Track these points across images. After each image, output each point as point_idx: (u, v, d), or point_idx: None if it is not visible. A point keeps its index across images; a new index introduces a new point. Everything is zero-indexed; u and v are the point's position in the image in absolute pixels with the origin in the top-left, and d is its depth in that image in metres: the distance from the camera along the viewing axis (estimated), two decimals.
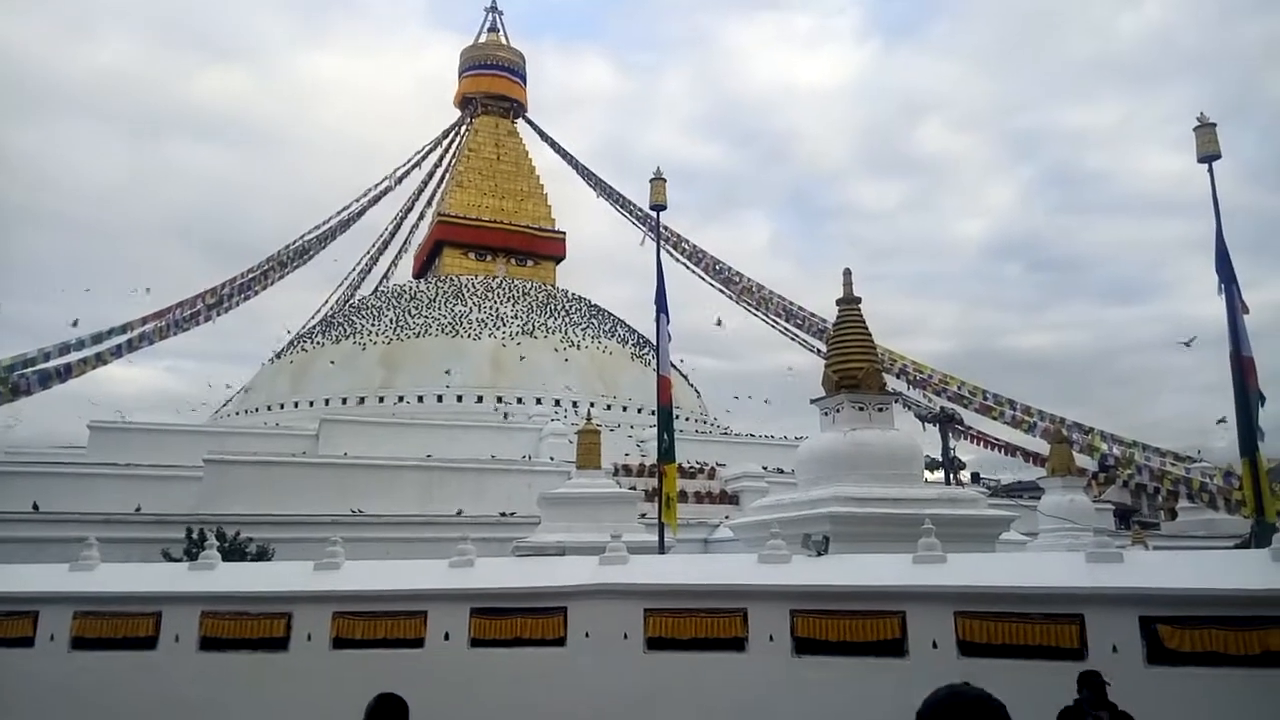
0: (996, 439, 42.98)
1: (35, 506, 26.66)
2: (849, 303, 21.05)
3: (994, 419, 41.29)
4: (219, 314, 49.28)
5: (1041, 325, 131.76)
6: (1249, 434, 15.50)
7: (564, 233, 65.09)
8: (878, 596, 12.79)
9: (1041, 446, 36.66)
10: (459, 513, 29.27)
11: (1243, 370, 15.74)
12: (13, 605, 15.09)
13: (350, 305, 60.74)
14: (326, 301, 65.61)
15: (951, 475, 34.41)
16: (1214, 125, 16.81)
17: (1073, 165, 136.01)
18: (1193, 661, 11.28)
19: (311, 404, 45.06)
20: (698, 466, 38.48)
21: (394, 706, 5.68)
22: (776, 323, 53.05)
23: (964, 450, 43.05)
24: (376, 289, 65.35)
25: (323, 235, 58.72)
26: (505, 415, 42.50)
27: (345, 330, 51.30)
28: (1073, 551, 15.27)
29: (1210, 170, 16.88)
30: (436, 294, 53.82)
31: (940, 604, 12.40)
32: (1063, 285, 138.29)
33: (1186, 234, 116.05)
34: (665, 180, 21.85)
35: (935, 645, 12.24)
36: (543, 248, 63.42)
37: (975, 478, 43.03)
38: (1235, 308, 16.07)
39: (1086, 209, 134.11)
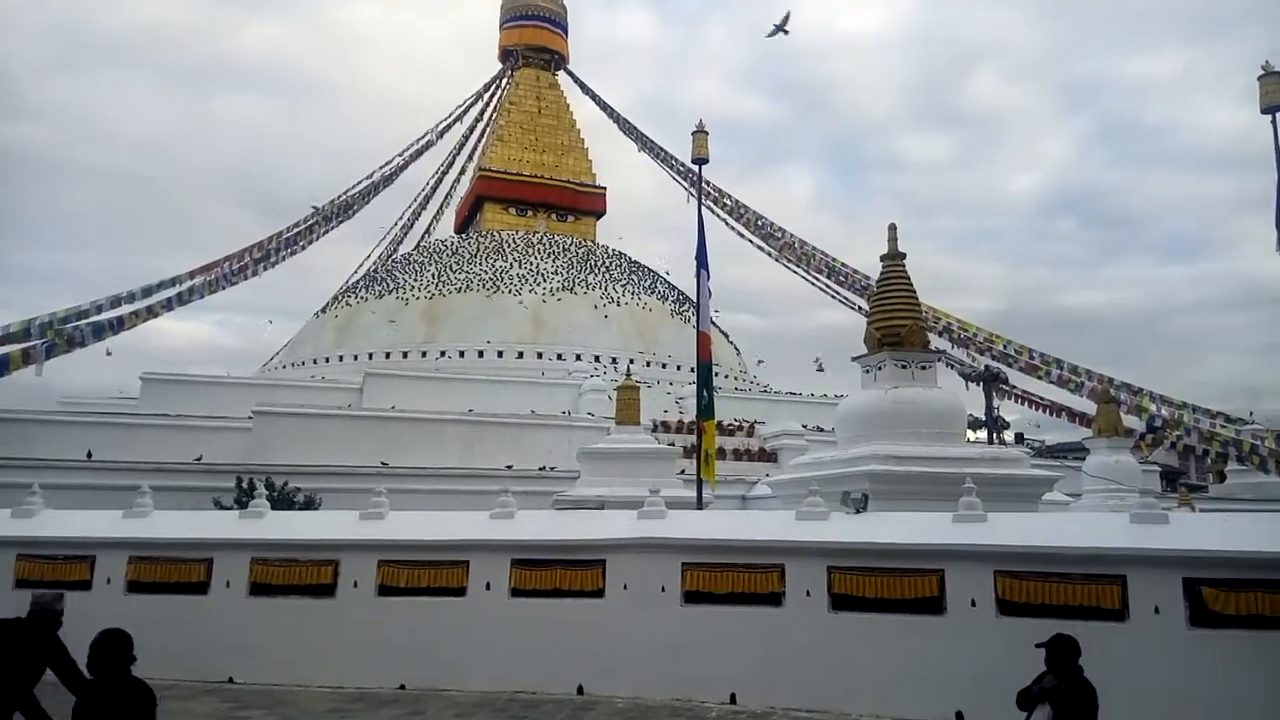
0: (1042, 399, 42.40)
1: (89, 455, 27.47)
2: (893, 258, 20.70)
3: (1040, 378, 40.71)
4: (266, 268, 50.06)
5: (1093, 283, 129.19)
6: None
7: (604, 188, 64.84)
8: (916, 554, 12.76)
9: (1088, 407, 36.14)
10: (509, 467, 29.65)
11: None
12: (71, 550, 15.65)
13: (393, 260, 61.25)
14: (369, 256, 66.25)
15: (995, 435, 34.03)
16: None
17: (1130, 117, 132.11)
18: (1236, 624, 11.11)
19: (356, 358, 45.75)
20: (737, 424, 38.48)
21: (116, 641, 5.86)
22: (817, 279, 52.59)
23: (1008, 410, 42.53)
24: (419, 244, 65.78)
25: (366, 190, 59.09)
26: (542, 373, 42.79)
27: (388, 285, 51.84)
28: (1116, 513, 15.08)
29: (1274, 121, 16.22)
30: (477, 250, 54.05)
31: (980, 563, 12.33)
32: (1117, 242, 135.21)
33: (1247, 191, 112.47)
34: (707, 133, 21.57)
35: (974, 604, 12.20)
36: (583, 203, 63.24)
37: (1019, 438, 42.41)
38: None
39: (1144, 163, 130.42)
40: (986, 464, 17.53)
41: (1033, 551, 12.23)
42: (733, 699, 12.82)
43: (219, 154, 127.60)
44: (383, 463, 29.03)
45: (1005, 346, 41.59)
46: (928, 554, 12.70)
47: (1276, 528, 12.67)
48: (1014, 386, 42.06)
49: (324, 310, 54.46)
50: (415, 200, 68.43)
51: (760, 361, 55.36)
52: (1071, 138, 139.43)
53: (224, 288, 47.00)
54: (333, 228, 57.76)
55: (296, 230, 52.91)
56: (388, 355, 45.47)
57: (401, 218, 68.02)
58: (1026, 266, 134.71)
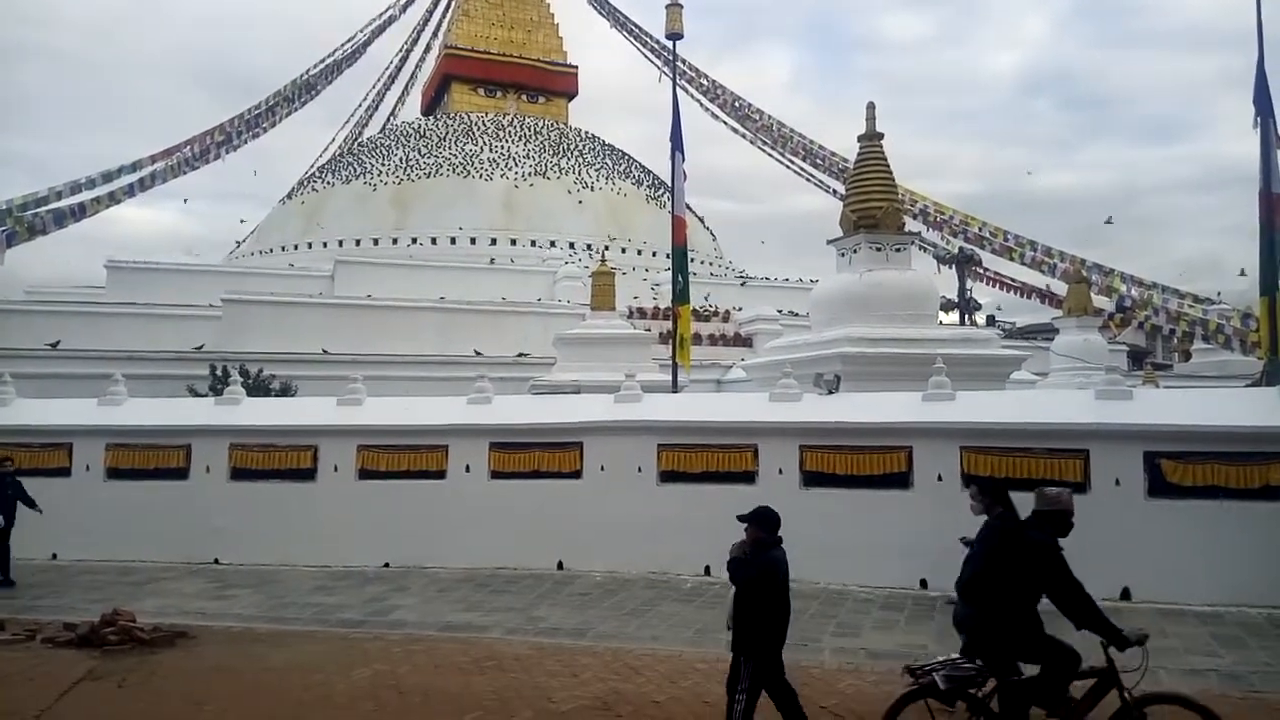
0: (1015, 281, 42.71)
1: (55, 344, 27.11)
2: (871, 139, 20.41)
3: (1014, 260, 40.89)
4: (228, 151, 48.56)
5: (1069, 164, 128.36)
6: (1271, 272, 15.21)
7: (576, 67, 62.71)
8: (885, 432, 13.08)
9: (1061, 289, 36.42)
10: (477, 353, 29.71)
11: (1271, 207, 15.32)
12: (48, 438, 15.67)
13: (359, 144, 59.54)
14: (334, 140, 64.31)
15: (967, 316, 34.38)
16: None
17: None
18: (1193, 495, 11.59)
19: (325, 245, 44.96)
20: (712, 309, 38.56)
21: None
22: (793, 163, 51.88)
23: (981, 292, 42.93)
24: (385, 127, 63.84)
25: (328, 69, 56.85)
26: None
27: (355, 170, 50.51)
28: (1082, 389, 15.43)
29: None
30: (446, 132, 52.55)
31: (947, 439, 12.68)
32: (1093, 123, 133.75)
33: (1226, 70, 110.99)
34: (682, 6, 20.79)
35: (940, 478, 12.59)
36: (554, 83, 61.25)
37: (991, 320, 42.95)
38: (1270, 142, 15.45)
39: (1123, 42, 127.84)
40: (957, 345, 17.79)
41: (998, 427, 12.57)
42: (706, 571, 13.30)
43: (173, 36, 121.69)
44: (323, 349, 28.93)
45: (980, 229, 41.57)
46: (896, 432, 13.02)
47: (1234, 403, 13.05)
48: (987, 269, 42.34)
49: (290, 196, 53.18)
50: (380, 80, 65.98)
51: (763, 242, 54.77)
52: (1050, 14, 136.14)
53: (186, 172, 45.66)
54: (295, 109, 55.75)
55: (258, 112, 51.11)
56: (358, 242, 44.69)
57: (366, 98, 65.73)
58: (1003, 148, 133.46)
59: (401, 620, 11.19)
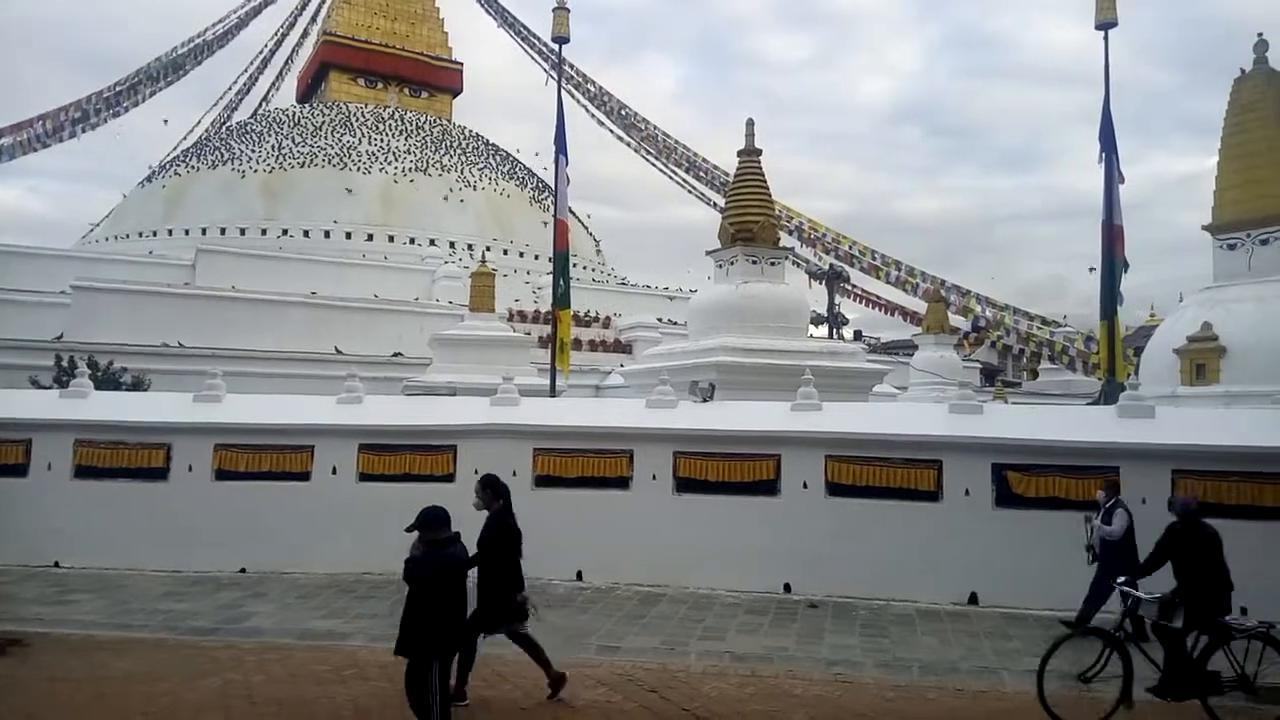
0: (880, 298, 44.58)
1: None
2: (750, 154, 20.96)
3: (879, 278, 42.70)
4: (85, 130, 45.62)
5: (933, 189, 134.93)
6: (1110, 299, 16.47)
7: (461, 64, 61.84)
8: (756, 440, 13.42)
9: (923, 307, 38.25)
10: (337, 350, 28.97)
11: (1112, 238, 16.56)
12: None
13: (228, 128, 56.88)
14: (200, 122, 61.21)
15: (835, 330, 35.67)
16: None
17: (977, 27, 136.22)
18: (1036, 505, 12.34)
19: (187, 233, 42.75)
20: (594, 315, 38.69)
21: None
22: (676, 173, 52.65)
23: (850, 308, 44.66)
24: (256, 112, 61.21)
25: (198, 49, 54.20)
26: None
27: (223, 155, 48.21)
28: (938, 403, 16.25)
29: (1106, 38, 17.15)
30: (323, 122, 50.83)
31: (813, 448, 13.12)
32: (957, 151, 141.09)
33: (1077, 106, 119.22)
34: (569, 10, 20.81)
35: (806, 485, 13.02)
36: (438, 78, 60.17)
37: (857, 335, 44.71)
38: (1113, 177, 16.71)
39: (986, 74, 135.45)
40: (825, 357, 18.47)
41: (860, 438, 13.10)
42: (579, 576, 13.32)
43: (26, 2, 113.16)
44: (177, 342, 27.61)
45: (850, 247, 43.23)
46: (766, 440, 13.38)
47: (1074, 419, 14.01)
48: (855, 285, 44.07)
49: (151, 179, 50.29)
50: (253, 63, 63.27)
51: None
52: (921, 45, 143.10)
53: (36, 149, 42.66)
54: (160, 89, 52.91)
55: (119, 89, 48.18)
56: (223, 231, 42.69)
57: (237, 82, 62.92)
58: (873, 171, 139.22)
59: (257, 628, 10.74)
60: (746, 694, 8.32)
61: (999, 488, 12.49)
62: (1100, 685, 7.70)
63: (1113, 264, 16.51)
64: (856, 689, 8.68)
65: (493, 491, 8.35)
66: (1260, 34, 19.77)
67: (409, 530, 6.87)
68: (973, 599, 12.22)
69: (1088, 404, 20.23)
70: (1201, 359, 18.54)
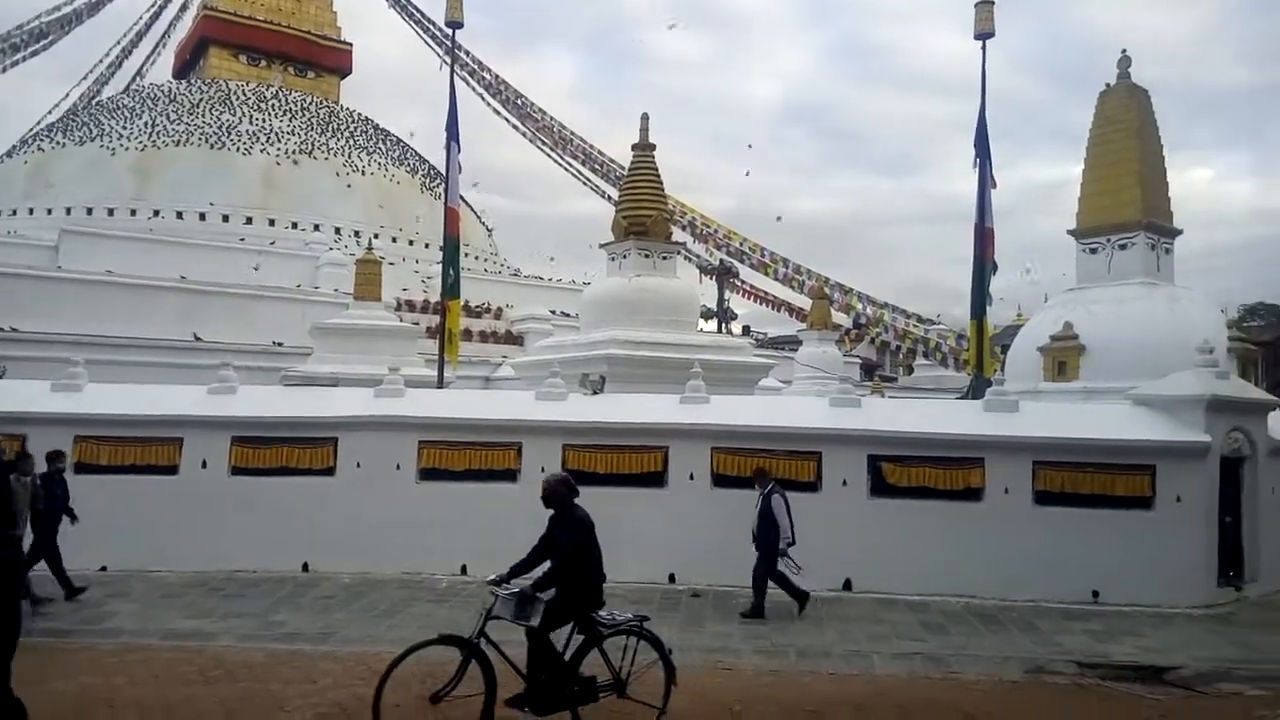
0: (768, 294, 45.57)
1: None
2: (644, 149, 21.11)
3: (767, 275, 43.64)
4: None
5: (819, 190, 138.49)
6: (980, 299, 17.29)
7: (350, 44, 59.93)
8: (644, 432, 13.55)
9: (807, 303, 39.27)
10: (195, 337, 27.98)
11: (983, 240, 17.38)
12: None
13: (97, 103, 53.64)
14: (67, 95, 57.52)
15: (724, 325, 36.28)
16: (992, 3, 17.76)
17: (863, 35, 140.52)
18: (907, 494, 12.89)
19: (50, 212, 40.12)
20: (484, 306, 38.21)
21: None
22: (571, 166, 52.52)
23: (739, 303, 45.54)
24: (129, 87, 57.91)
25: (65, 19, 50.92)
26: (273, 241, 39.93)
27: (91, 131, 45.40)
28: (819, 397, 16.75)
29: (984, 48, 17.93)
30: (200, 99, 48.44)
31: (699, 440, 13.34)
32: (842, 153, 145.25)
33: (955, 115, 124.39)
34: None
35: (693, 477, 13.23)
36: (325, 58, 58.12)
37: (746, 330, 45.61)
38: (986, 182, 17.53)
39: (870, 80, 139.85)
40: (713, 351, 18.79)
41: (744, 430, 13.39)
42: (463, 570, 13.16)
43: None
44: (10, 328, 26.09)
45: (741, 244, 44.02)
46: (654, 432, 13.52)
47: (944, 413, 14.67)
48: (744, 281, 44.95)
49: (11, 154, 47.00)
50: (126, 36, 59.78)
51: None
52: (810, 49, 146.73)
53: None
54: (22, 59, 49.53)
55: None
56: (90, 211, 40.23)
57: (109, 54, 59.34)
58: (762, 170, 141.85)
59: (118, 628, 10.22)
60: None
61: (874, 478, 12.98)
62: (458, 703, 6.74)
63: (984, 265, 17.31)
64: (735, 675, 8.90)
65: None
66: (1124, 50, 20.98)
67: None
68: (847, 585, 12.68)
69: (957, 398, 21.16)
70: (1063, 357, 19.61)
